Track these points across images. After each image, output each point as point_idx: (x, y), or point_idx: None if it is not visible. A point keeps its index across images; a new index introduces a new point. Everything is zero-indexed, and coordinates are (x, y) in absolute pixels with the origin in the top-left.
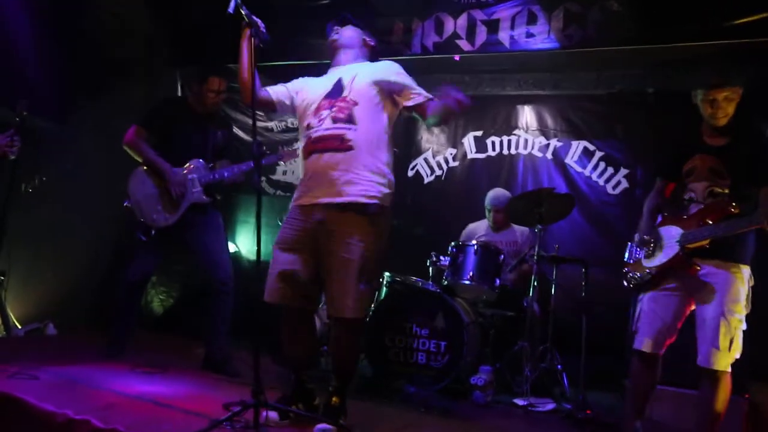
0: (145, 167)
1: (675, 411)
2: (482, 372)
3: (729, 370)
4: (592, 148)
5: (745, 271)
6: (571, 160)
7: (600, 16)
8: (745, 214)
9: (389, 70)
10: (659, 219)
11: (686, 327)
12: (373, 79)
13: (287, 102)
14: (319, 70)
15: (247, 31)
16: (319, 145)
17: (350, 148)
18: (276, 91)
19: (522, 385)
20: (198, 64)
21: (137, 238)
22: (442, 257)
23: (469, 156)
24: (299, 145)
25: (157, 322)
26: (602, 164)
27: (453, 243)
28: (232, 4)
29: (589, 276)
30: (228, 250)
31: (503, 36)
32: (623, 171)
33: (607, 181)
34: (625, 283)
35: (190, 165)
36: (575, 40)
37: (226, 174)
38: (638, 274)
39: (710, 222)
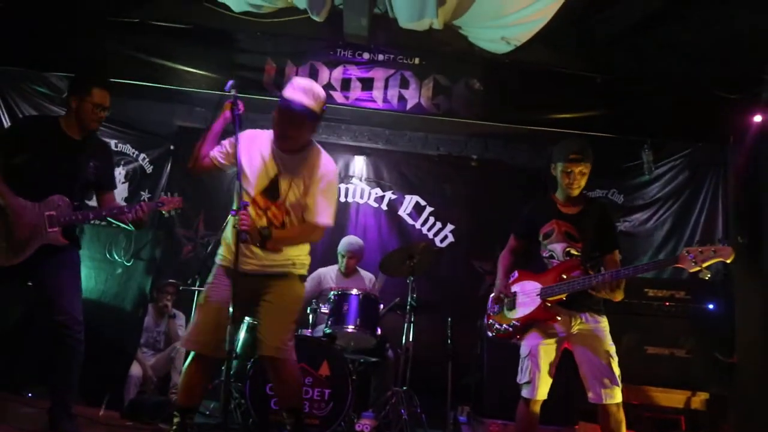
0: None
1: None
2: (366, 418)
3: None
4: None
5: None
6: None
7: (464, 92)
8: (595, 273)
9: (326, 194)
10: (515, 275)
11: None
12: (306, 198)
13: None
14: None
15: (228, 111)
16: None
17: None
18: (217, 157)
19: (393, 428)
20: (16, 66)
21: None
22: (321, 305)
23: None
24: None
25: None
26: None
27: (333, 291)
28: (229, 84)
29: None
30: (80, 290)
31: (377, 94)
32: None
33: (436, 234)
34: (489, 333)
35: (49, 200)
36: (443, 109)
37: (92, 216)
38: (503, 325)
39: (567, 278)
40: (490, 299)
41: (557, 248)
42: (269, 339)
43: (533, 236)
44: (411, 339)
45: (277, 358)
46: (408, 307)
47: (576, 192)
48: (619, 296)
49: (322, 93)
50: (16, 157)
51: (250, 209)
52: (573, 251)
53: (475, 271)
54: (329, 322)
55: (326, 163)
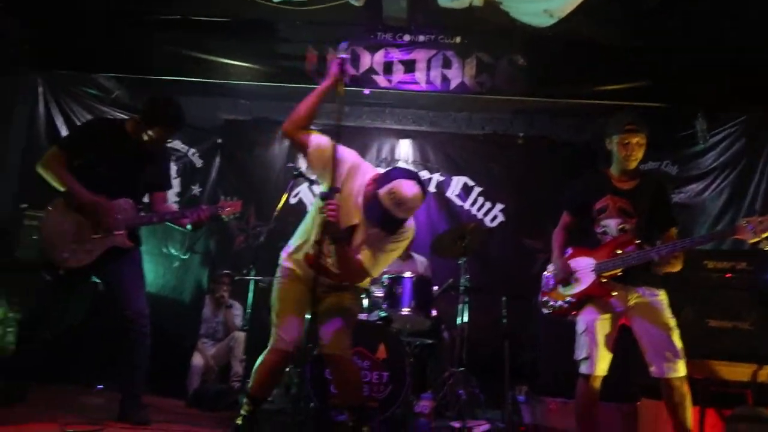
0: (64, 199)
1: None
2: (425, 400)
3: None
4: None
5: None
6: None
7: (508, 68)
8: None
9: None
10: (569, 251)
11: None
12: (376, 268)
13: (318, 162)
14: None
15: (336, 68)
16: None
17: None
18: (318, 143)
19: (452, 409)
20: (64, 69)
21: (41, 277)
22: (375, 289)
23: None
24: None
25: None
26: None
27: (387, 275)
28: (344, 44)
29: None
30: (144, 285)
31: (419, 76)
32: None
33: (486, 214)
34: (544, 311)
35: (116, 203)
36: (486, 87)
37: (156, 219)
38: (558, 301)
39: (621, 253)
40: (545, 276)
41: (611, 224)
42: (332, 339)
43: (586, 212)
44: (466, 320)
45: (339, 356)
46: (461, 288)
47: (633, 164)
48: (677, 266)
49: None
50: (84, 159)
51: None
52: (627, 227)
53: (527, 249)
54: (384, 306)
55: (407, 231)
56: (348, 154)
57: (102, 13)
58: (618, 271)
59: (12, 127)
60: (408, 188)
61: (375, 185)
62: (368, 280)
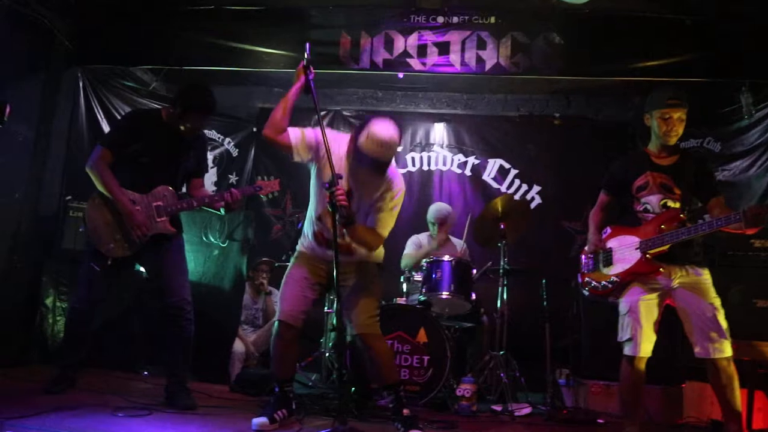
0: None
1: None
2: (466, 383)
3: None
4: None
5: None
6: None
7: (544, 47)
8: (695, 223)
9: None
10: (607, 231)
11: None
12: (379, 209)
13: (304, 152)
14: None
15: (303, 76)
16: None
17: None
18: (296, 137)
19: (492, 393)
20: (103, 62)
21: (88, 266)
22: (414, 273)
23: None
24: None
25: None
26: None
27: (425, 259)
28: (307, 46)
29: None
30: (187, 273)
31: (454, 58)
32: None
33: (523, 196)
34: (585, 292)
35: (156, 191)
36: (522, 67)
37: (195, 204)
38: (601, 282)
39: (666, 229)
40: (583, 257)
41: (653, 200)
42: (359, 317)
43: (625, 191)
44: (506, 303)
45: (368, 334)
46: (501, 270)
47: (674, 140)
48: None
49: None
50: (128, 149)
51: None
52: (670, 203)
53: (566, 231)
54: (423, 290)
55: (397, 183)
56: (319, 134)
57: (137, 6)
58: (665, 248)
59: (55, 121)
60: (383, 126)
61: (354, 140)
62: (382, 251)
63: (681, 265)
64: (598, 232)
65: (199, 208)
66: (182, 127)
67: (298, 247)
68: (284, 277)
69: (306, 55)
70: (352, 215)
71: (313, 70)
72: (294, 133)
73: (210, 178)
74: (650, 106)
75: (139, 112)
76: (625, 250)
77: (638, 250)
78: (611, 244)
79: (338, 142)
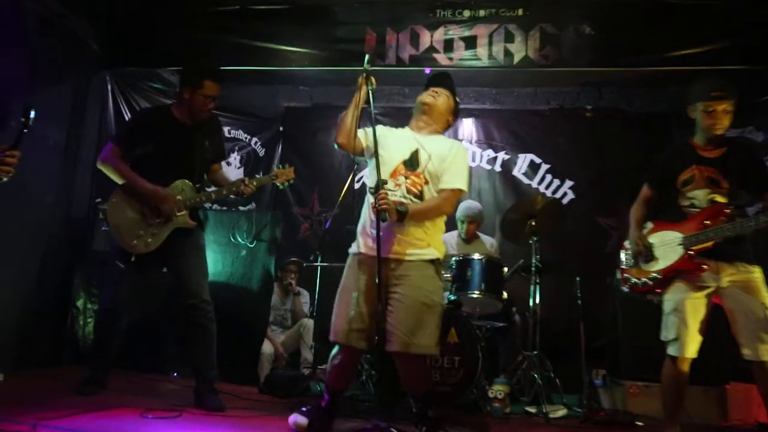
0: (123, 190)
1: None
2: (499, 384)
3: None
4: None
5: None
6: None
7: (574, 38)
8: (744, 217)
9: (457, 160)
10: (649, 226)
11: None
12: (442, 166)
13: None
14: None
15: (365, 79)
16: None
17: None
18: (360, 138)
19: (527, 394)
20: (130, 65)
21: (114, 265)
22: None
23: None
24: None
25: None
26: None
27: (455, 257)
28: (366, 59)
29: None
30: (207, 273)
31: (481, 52)
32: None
33: (555, 192)
34: (625, 288)
35: (173, 186)
36: (552, 59)
37: (213, 197)
38: (642, 278)
39: (711, 225)
40: (622, 253)
41: (699, 195)
42: (400, 331)
43: (669, 185)
44: (538, 301)
45: (404, 354)
46: (533, 268)
47: (719, 132)
48: None
49: None
50: (138, 149)
51: (389, 182)
52: (718, 197)
53: (600, 227)
54: (453, 289)
55: (455, 141)
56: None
57: (163, 8)
58: (709, 244)
59: (85, 125)
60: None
61: None
62: (443, 246)
63: (730, 263)
64: (639, 228)
65: (223, 207)
66: (198, 108)
67: (352, 249)
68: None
69: (366, 65)
70: (396, 212)
71: (374, 82)
72: (362, 135)
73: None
74: (693, 98)
75: (148, 109)
76: (668, 246)
77: (681, 246)
78: (653, 239)
79: (395, 130)
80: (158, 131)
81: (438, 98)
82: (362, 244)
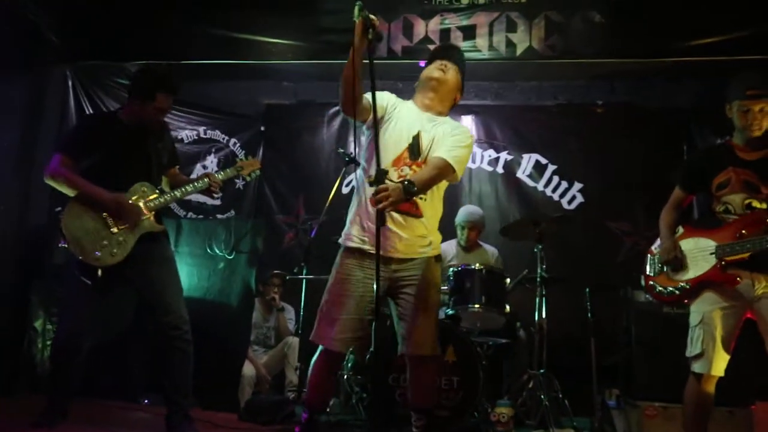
0: (77, 200)
1: None
2: (502, 407)
3: None
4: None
5: None
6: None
7: (582, 27)
8: None
9: (461, 145)
10: (680, 230)
11: None
12: (446, 152)
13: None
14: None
15: (362, 27)
16: None
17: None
18: (369, 101)
19: (533, 417)
20: (94, 59)
21: (74, 283)
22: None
23: None
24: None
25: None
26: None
27: (453, 268)
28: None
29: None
30: (181, 289)
31: (481, 43)
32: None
33: (562, 195)
34: (650, 297)
35: (132, 189)
36: (558, 50)
37: (178, 195)
38: (668, 287)
39: (748, 234)
40: (648, 258)
41: (735, 200)
42: (421, 336)
43: (704, 188)
44: (544, 315)
45: (424, 356)
46: (538, 279)
47: (757, 133)
48: None
49: None
50: (88, 158)
51: (391, 171)
52: (756, 203)
53: (612, 233)
54: (452, 302)
55: (464, 126)
56: (386, 99)
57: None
58: (745, 255)
59: (43, 124)
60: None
61: None
62: (439, 237)
63: (766, 274)
64: (671, 234)
65: (199, 215)
66: (149, 119)
67: (346, 242)
68: (329, 285)
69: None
70: (403, 191)
71: (377, 25)
72: (368, 98)
73: None
74: (730, 96)
75: (93, 115)
76: (699, 255)
77: (713, 256)
78: (683, 246)
79: (402, 103)
80: (108, 137)
81: (448, 72)
82: (357, 237)
